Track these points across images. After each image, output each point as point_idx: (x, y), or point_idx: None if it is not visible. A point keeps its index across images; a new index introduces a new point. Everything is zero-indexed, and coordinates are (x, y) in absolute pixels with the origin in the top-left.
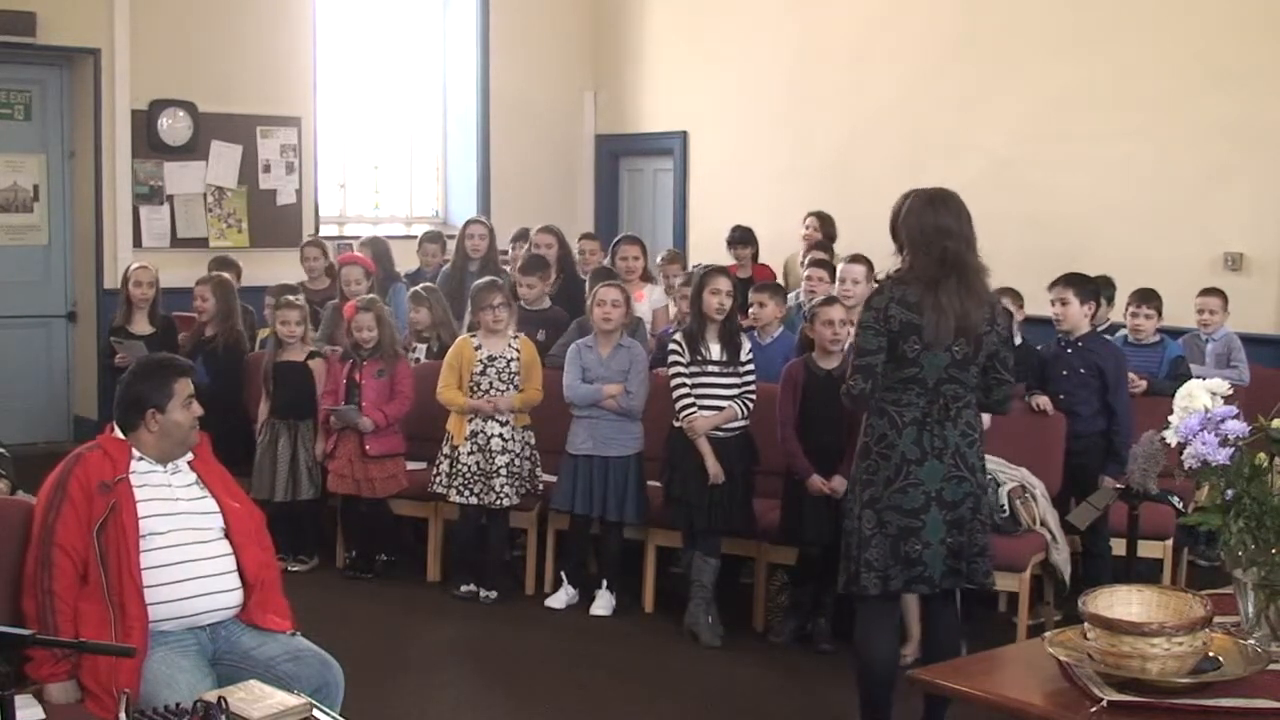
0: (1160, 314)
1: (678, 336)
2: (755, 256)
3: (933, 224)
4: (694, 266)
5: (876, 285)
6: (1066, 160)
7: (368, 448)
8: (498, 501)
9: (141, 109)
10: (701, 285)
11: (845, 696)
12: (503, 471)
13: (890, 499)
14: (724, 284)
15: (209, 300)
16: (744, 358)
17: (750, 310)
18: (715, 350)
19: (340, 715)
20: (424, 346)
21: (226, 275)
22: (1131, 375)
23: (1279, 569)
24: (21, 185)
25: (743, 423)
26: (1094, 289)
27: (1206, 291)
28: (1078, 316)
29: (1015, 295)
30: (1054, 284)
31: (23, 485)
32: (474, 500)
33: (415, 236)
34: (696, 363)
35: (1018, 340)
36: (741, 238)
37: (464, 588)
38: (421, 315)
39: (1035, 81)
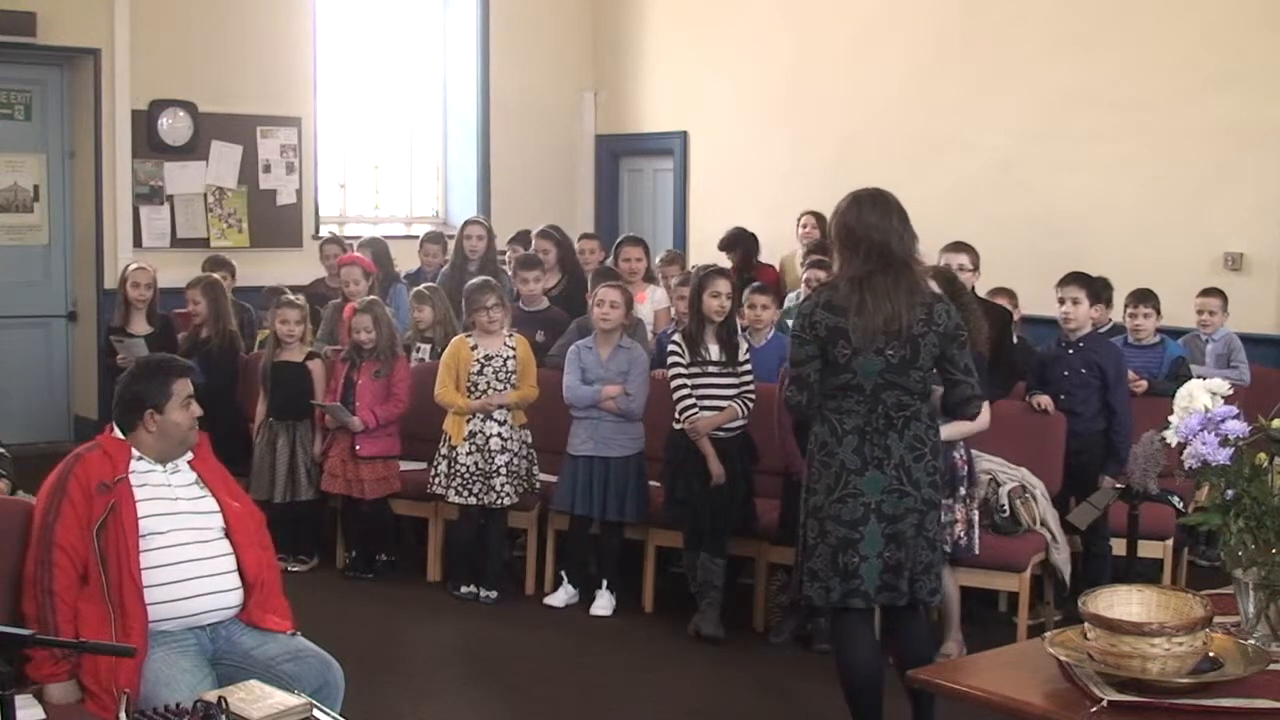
0: (1158, 313)
1: (676, 337)
2: (747, 257)
3: (857, 221)
4: (691, 267)
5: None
6: (1066, 160)
7: (358, 448)
8: (498, 501)
9: (141, 109)
10: (701, 287)
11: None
12: (502, 471)
13: (831, 509)
14: (723, 286)
15: (200, 303)
16: (742, 358)
17: (745, 311)
18: (714, 351)
19: (340, 715)
20: (428, 346)
21: (216, 276)
22: (1131, 375)
23: (1279, 569)
24: (21, 185)
25: (742, 422)
26: (1098, 289)
27: (1206, 292)
28: (1086, 316)
29: (1011, 295)
30: (1064, 283)
31: (23, 485)
32: (473, 500)
33: (415, 236)
34: (696, 363)
35: (1015, 340)
36: (728, 242)
37: (464, 588)
38: (425, 314)
39: (1035, 81)
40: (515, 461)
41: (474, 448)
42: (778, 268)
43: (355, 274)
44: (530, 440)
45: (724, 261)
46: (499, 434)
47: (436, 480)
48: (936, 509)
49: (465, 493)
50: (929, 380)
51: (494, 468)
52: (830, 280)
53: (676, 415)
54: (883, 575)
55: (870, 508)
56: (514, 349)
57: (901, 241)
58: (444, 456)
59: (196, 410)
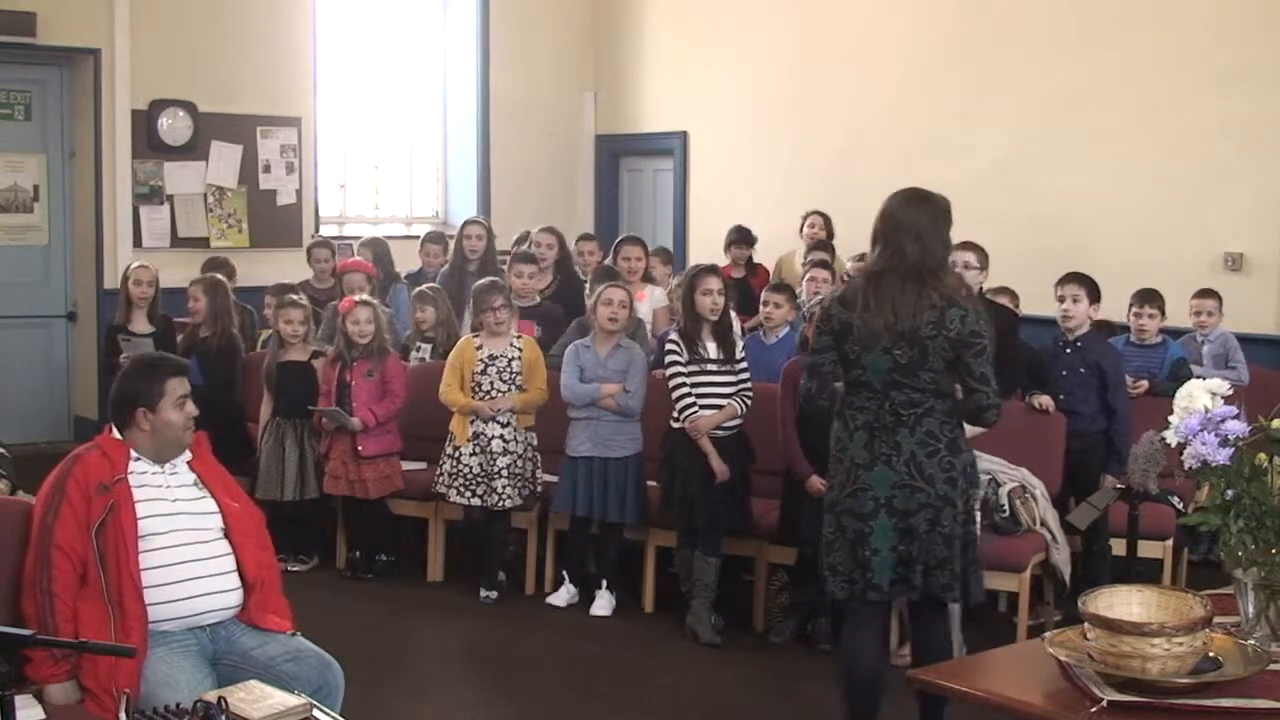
0: (1163, 314)
1: (674, 336)
2: (752, 257)
3: (893, 219)
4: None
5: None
6: (1066, 160)
7: (360, 448)
8: (500, 503)
9: (141, 109)
10: (693, 286)
11: None
12: (504, 473)
13: (844, 503)
14: (715, 283)
15: (200, 300)
16: (739, 355)
17: (764, 310)
18: (712, 349)
19: (340, 715)
20: (429, 346)
21: (219, 276)
22: (1129, 378)
23: (1279, 569)
24: (21, 185)
25: (739, 421)
26: (1098, 289)
27: (1202, 293)
28: (1084, 315)
29: (1012, 294)
30: (1064, 281)
31: (23, 485)
32: (476, 501)
33: (416, 237)
34: (694, 362)
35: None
36: (742, 238)
37: (465, 588)
38: (428, 314)
39: (1035, 81)
40: (518, 463)
41: (477, 449)
42: (775, 266)
43: (359, 280)
44: (535, 442)
45: (728, 259)
46: (501, 435)
47: (440, 480)
48: (954, 505)
49: (467, 493)
50: (943, 380)
51: (496, 469)
52: (854, 272)
53: (675, 414)
54: (896, 569)
55: (880, 503)
56: (520, 350)
57: (919, 244)
58: (449, 456)
59: (192, 410)
